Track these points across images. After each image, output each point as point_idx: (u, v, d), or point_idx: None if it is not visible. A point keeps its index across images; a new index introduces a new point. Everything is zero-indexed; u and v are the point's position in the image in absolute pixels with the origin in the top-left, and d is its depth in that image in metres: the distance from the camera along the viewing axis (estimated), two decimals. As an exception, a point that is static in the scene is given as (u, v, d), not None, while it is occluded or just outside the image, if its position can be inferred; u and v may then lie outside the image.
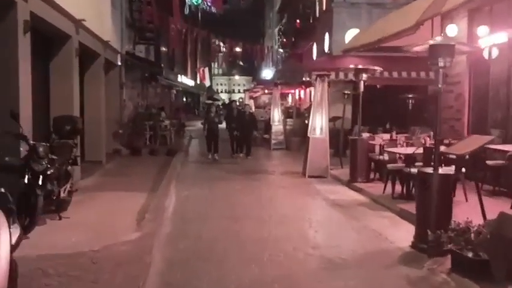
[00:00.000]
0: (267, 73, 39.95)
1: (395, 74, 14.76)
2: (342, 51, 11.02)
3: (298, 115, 20.49)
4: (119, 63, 15.32)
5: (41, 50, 9.40)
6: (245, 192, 9.43)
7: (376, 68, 9.90)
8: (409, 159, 7.82)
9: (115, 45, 14.33)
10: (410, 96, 15.29)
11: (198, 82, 47.88)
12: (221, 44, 26.78)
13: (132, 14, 17.44)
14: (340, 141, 12.90)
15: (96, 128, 12.64)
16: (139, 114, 18.15)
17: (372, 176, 10.09)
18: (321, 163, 11.05)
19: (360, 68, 9.68)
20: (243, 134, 14.77)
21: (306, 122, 19.74)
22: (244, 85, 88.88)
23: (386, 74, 13.39)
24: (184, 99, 44.90)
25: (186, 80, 37.43)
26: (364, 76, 9.73)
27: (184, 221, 6.95)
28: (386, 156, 9.55)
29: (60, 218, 6.70)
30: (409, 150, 8.09)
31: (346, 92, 13.52)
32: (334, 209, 7.90)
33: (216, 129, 14.37)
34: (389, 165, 8.33)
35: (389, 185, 8.39)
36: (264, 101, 34.59)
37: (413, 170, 7.57)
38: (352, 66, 9.97)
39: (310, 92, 23.75)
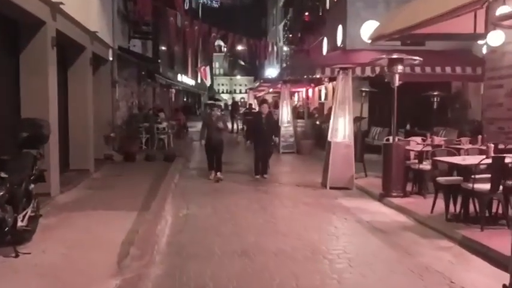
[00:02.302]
0: (271, 72, 38.34)
1: (418, 70, 13.11)
2: (369, 39, 9.36)
3: (310, 115, 18.83)
4: (111, 59, 13.67)
5: (7, 38, 7.73)
6: (256, 210, 7.70)
7: (414, 57, 8.18)
8: (468, 172, 6.12)
9: (105, 38, 12.67)
10: (434, 94, 13.69)
11: (199, 81, 46.21)
12: (222, 43, 25.11)
13: (125, 5, 15.74)
14: (359, 144, 11.24)
15: (83, 131, 11.05)
16: (134, 115, 16.50)
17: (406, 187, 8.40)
18: (344, 172, 9.37)
19: (395, 58, 7.96)
20: (259, 144, 10.91)
21: (318, 122, 18.16)
22: (246, 85, 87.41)
23: (408, 69, 11.75)
24: (185, 99, 43.27)
25: (186, 79, 35.84)
26: (400, 68, 8.02)
27: (181, 258, 5.21)
28: (428, 165, 7.89)
29: (16, 255, 5.03)
30: (469, 160, 6.35)
31: (364, 89, 11.90)
32: (374, 236, 6.15)
33: (219, 138, 10.62)
34: (441, 179, 6.59)
35: (438, 202, 6.71)
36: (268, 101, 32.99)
37: (478, 186, 5.89)
38: (384, 56, 8.24)
39: (320, 90, 22.11)
